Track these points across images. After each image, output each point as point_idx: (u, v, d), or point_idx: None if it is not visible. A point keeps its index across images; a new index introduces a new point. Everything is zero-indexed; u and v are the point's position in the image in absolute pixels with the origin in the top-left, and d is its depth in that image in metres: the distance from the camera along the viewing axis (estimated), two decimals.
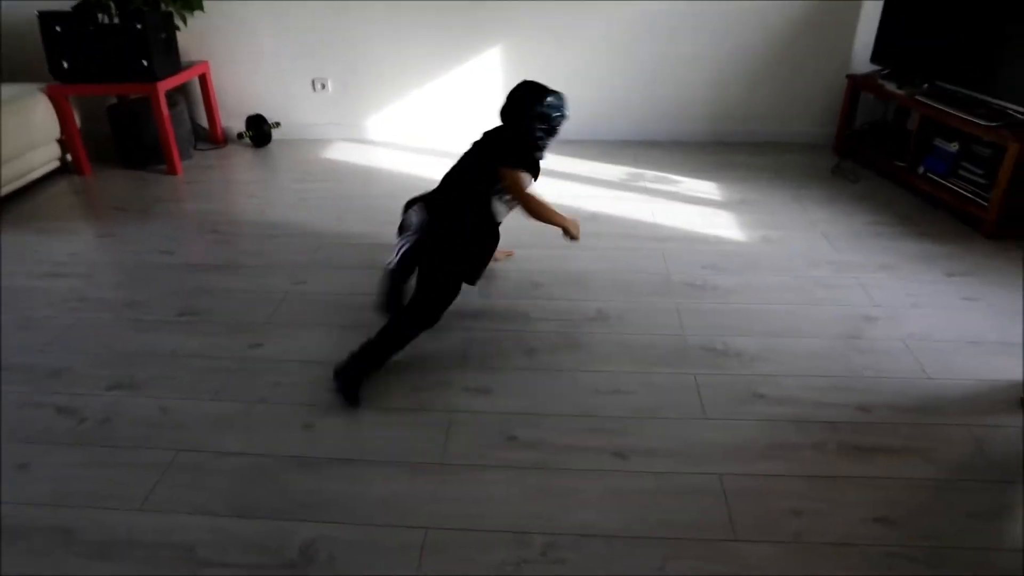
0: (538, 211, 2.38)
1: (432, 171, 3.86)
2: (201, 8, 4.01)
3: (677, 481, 1.81)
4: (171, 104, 3.93)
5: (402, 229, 2.39)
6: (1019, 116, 3.10)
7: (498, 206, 2.40)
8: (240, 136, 4.36)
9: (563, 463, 1.87)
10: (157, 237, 3.16)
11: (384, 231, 3.16)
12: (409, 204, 2.42)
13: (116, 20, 3.73)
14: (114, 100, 4.11)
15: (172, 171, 3.90)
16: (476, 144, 2.55)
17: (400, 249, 2.33)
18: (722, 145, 4.31)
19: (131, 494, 1.77)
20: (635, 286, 2.72)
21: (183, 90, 4.27)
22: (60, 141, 3.81)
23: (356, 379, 2.13)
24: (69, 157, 3.89)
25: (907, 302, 2.64)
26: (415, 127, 4.40)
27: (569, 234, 2.46)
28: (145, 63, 3.65)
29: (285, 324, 2.50)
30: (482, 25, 4.10)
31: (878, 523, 1.70)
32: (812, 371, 2.24)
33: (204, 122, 4.38)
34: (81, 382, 2.19)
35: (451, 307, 2.32)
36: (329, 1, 4.06)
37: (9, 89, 3.61)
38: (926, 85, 3.61)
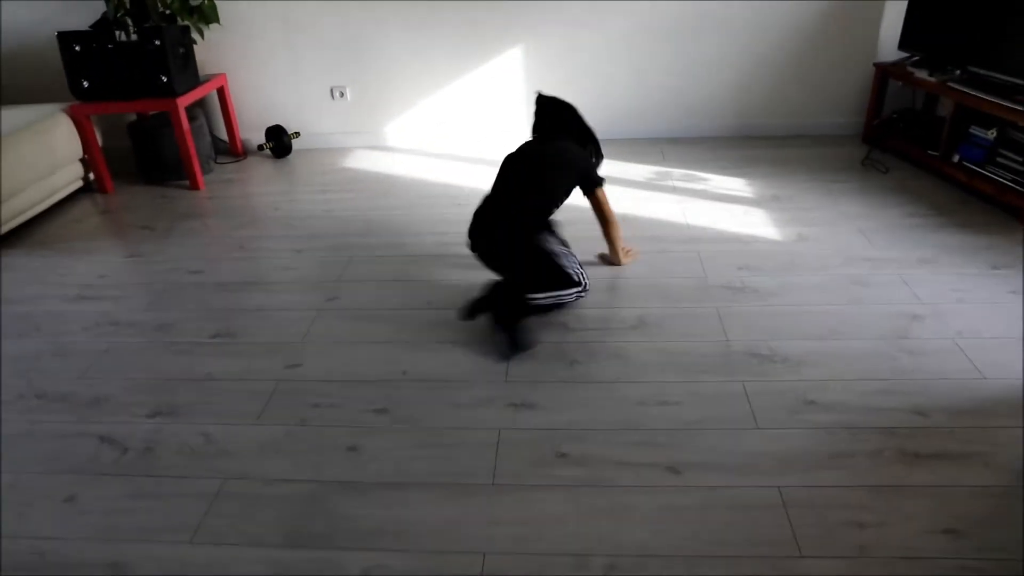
0: (616, 229, 2.79)
1: (452, 177, 3.85)
2: (217, 21, 4.00)
3: (734, 495, 1.77)
4: (191, 119, 3.92)
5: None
6: None
7: None
8: (260, 148, 4.34)
9: (615, 479, 1.83)
10: (184, 256, 3.15)
11: (409, 242, 3.14)
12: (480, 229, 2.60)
13: (134, 37, 3.72)
14: (134, 117, 4.10)
15: (194, 186, 3.89)
16: (535, 155, 2.69)
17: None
18: (749, 139, 4.25)
19: (181, 526, 1.75)
20: (673, 291, 2.68)
21: (202, 104, 4.25)
22: (82, 160, 3.81)
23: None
24: (92, 176, 3.88)
25: (952, 298, 2.58)
26: (434, 132, 4.37)
27: (615, 261, 2.85)
28: (164, 79, 3.63)
29: (321, 342, 2.47)
30: (501, 27, 4.05)
31: (945, 535, 1.65)
32: (862, 374, 2.19)
33: (224, 135, 4.37)
34: (121, 410, 2.17)
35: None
36: (345, 9, 4.02)
37: (31, 111, 3.61)
38: (958, 71, 3.53)
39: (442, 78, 4.21)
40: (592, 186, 2.69)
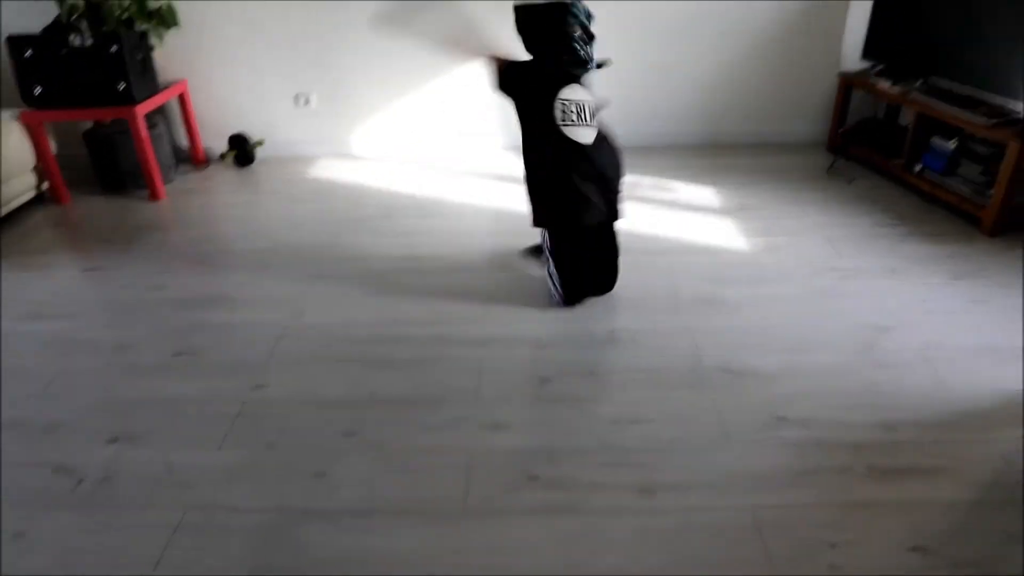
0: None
1: (419, 186, 3.80)
2: (176, 24, 3.89)
3: (708, 516, 1.76)
4: (150, 126, 3.81)
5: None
6: (1017, 113, 3.08)
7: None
8: (223, 156, 4.24)
9: (588, 503, 1.81)
10: (145, 270, 3.06)
11: (377, 254, 3.09)
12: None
13: (89, 42, 3.61)
14: (90, 124, 3.98)
15: (155, 196, 3.79)
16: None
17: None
18: (718, 147, 4.27)
19: (140, 559, 1.68)
20: (644, 304, 2.67)
21: (162, 111, 4.14)
22: (36, 169, 3.68)
23: None
24: (46, 186, 3.76)
25: (918, 308, 2.61)
26: (401, 139, 4.32)
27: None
28: (122, 86, 3.53)
29: (288, 361, 2.41)
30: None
31: (915, 552, 1.65)
32: (832, 388, 2.20)
33: (185, 143, 4.26)
34: (77, 437, 2.09)
35: (457, 335, 2.47)
36: (310, 14, 3.95)
37: None
38: (920, 81, 3.58)
39: (409, 84, 4.16)
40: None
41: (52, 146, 3.70)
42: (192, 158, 4.26)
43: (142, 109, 3.60)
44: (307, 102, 4.20)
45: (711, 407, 2.12)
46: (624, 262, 2.97)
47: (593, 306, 2.66)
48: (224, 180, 4.07)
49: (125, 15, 3.72)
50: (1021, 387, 2.18)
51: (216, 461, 1.98)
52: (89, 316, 2.73)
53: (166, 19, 3.83)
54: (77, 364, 2.43)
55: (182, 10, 3.89)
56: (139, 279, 2.98)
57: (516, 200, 3.53)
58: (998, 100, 3.14)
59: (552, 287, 2.64)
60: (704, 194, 3.63)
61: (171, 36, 3.95)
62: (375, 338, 2.51)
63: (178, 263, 3.12)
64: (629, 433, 2.03)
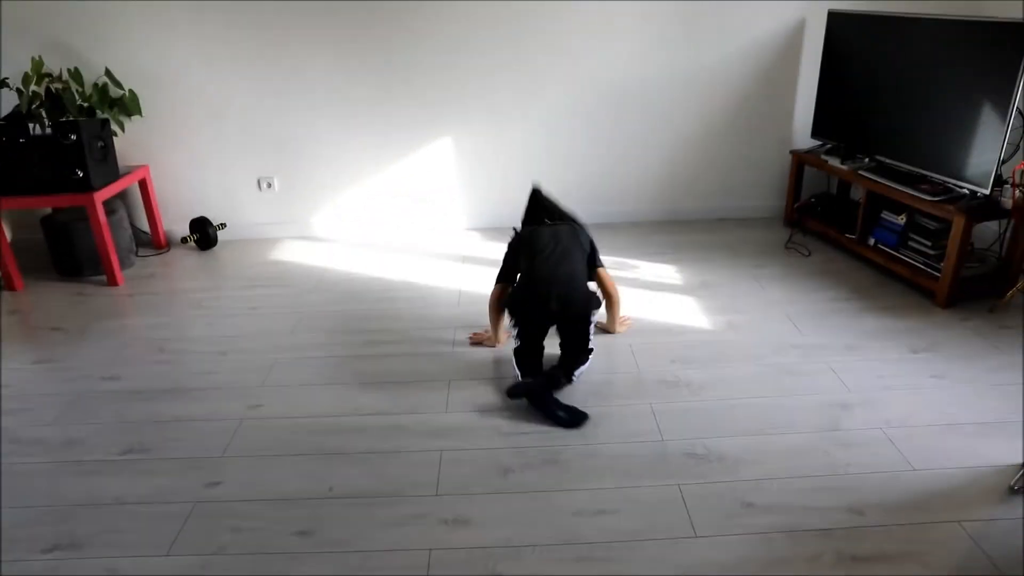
0: (619, 304, 3.00)
1: (381, 270, 3.79)
2: (139, 112, 3.92)
3: None
4: (109, 211, 3.78)
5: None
6: (960, 190, 3.19)
7: None
8: (184, 240, 4.21)
9: None
10: (98, 360, 2.97)
11: (336, 341, 3.05)
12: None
13: (49, 131, 3.60)
14: (48, 210, 3.94)
15: (112, 282, 3.72)
16: (549, 236, 2.78)
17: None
18: (676, 224, 4.35)
19: None
20: (607, 387, 2.65)
21: (123, 195, 4.12)
22: None
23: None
24: None
25: (878, 384, 2.63)
26: (364, 221, 4.33)
27: (612, 330, 3.03)
28: (80, 174, 3.51)
29: (243, 456, 2.33)
30: (427, 117, 4.09)
31: None
32: (797, 471, 2.18)
33: (145, 226, 4.23)
34: (14, 545, 1.98)
35: (417, 424, 2.43)
36: (273, 100, 4.00)
37: None
38: (867, 159, 3.71)
39: (371, 169, 4.20)
40: (596, 266, 2.87)
41: (7, 233, 3.64)
42: (153, 242, 4.22)
43: (100, 196, 3.58)
44: (270, 185, 4.21)
45: (676, 495, 2.09)
46: None
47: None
48: (184, 264, 4.02)
49: (86, 104, 3.73)
50: (985, 463, 2.19)
51: (163, 568, 1.89)
52: (37, 411, 2.63)
53: (128, 107, 3.85)
54: (19, 465, 2.32)
55: (144, 97, 3.91)
56: (92, 370, 2.90)
57: (478, 282, 3.55)
58: (940, 178, 3.26)
59: (515, 367, 2.68)
60: (665, 271, 3.67)
61: (134, 123, 3.97)
62: (333, 428, 2.45)
63: (133, 352, 3.04)
64: (593, 525, 1.98)
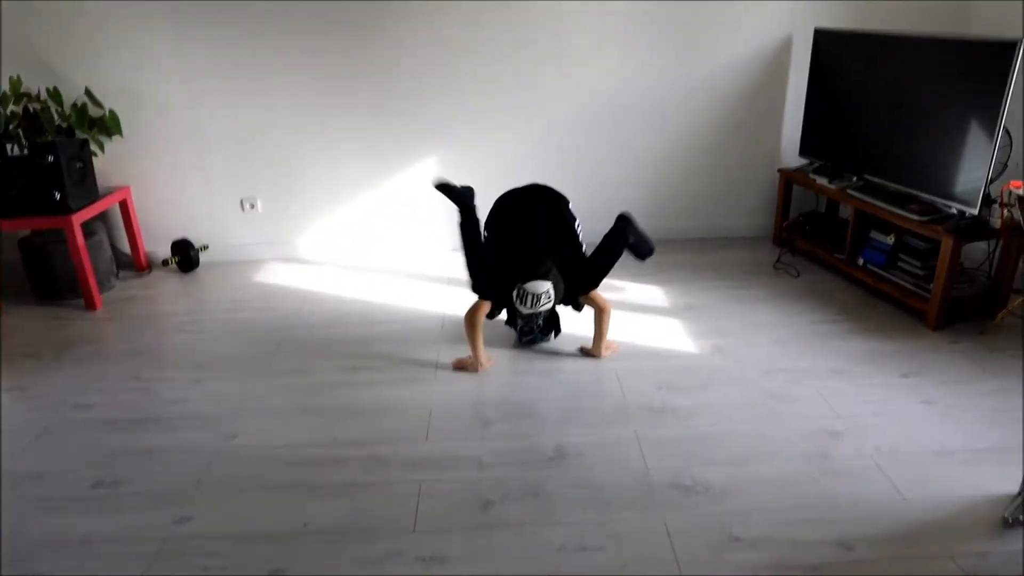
0: (609, 319, 2.98)
1: (365, 292, 3.73)
2: (120, 133, 3.86)
3: None
4: (88, 234, 3.72)
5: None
6: (948, 210, 3.16)
7: None
8: (165, 262, 4.14)
9: None
10: (72, 388, 2.90)
11: (317, 367, 2.98)
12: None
13: (26, 152, 3.54)
14: (26, 232, 3.87)
15: (90, 306, 3.65)
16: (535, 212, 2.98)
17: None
18: (664, 243, 4.27)
19: None
20: (591, 414, 2.59)
21: (103, 216, 4.06)
22: None
23: None
24: None
25: (867, 410, 2.58)
26: (348, 243, 4.28)
27: (597, 353, 3.00)
28: (58, 196, 3.45)
29: (216, 489, 2.26)
30: (412, 136, 4.05)
31: None
32: (785, 501, 2.13)
33: (127, 248, 4.16)
34: None
35: (396, 455, 2.37)
36: (256, 119, 3.95)
37: None
38: (855, 178, 3.69)
39: (356, 188, 4.15)
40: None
41: None
42: (134, 264, 4.16)
43: (79, 218, 3.52)
44: (253, 206, 4.15)
45: (661, 529, 2.02)
46: (571, 368, 2.93)
47: (538, 418, 2.58)
48: (165, 287, 3.95)
49: (66, 124, 3.68)
50: (977, 492, 2.14)
51: None
52: (5, 443, 2.55)
53: (108, 127, 3.80)
54: None
55: (125, 116, 3.86)
56: (65, 397, 2.83)
57: (462, 305, 3.49)
58: (929, 197, 3.23)
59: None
60: (651, 293, 3.63)
61: (115, 144, 3.91)
62: (310, 460, 2.38)
63: (108, 379, 2.97)
64: (576, 562, 1.92)
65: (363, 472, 2.31)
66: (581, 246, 2.95)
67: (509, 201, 3.01)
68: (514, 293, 2.77)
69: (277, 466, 2.36)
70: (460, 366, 2.92)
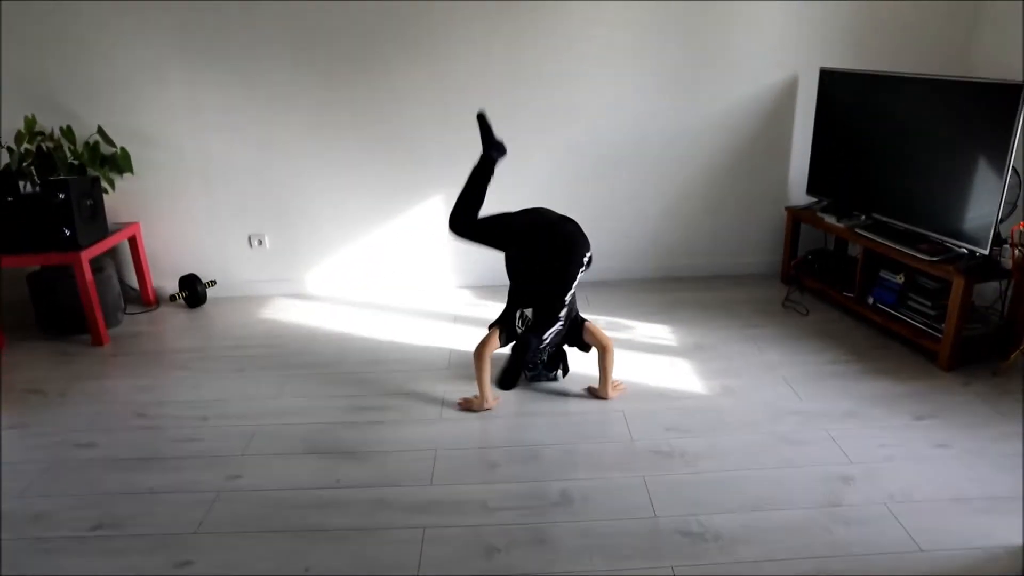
0: (613, 356, 2.94)
1: (372, 329, 3.72)
2: (131, 170, 3.90)
3: None
4: (97, 269, 3.73)
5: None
6: (958, 249, 3.13)
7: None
8: (173, 297, 4.15)
9: None
10: (76, 425, 2.88)
11: (322, 407, 2.95)
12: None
13: (38, 189, 3.58)
14: (35, 267, 3.89)
15: (97, 342, 3.65)
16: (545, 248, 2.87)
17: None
18: (671, 281, 4.29)
19: None
20: (597, 457, 2.55)
21: (113, 252, 4.08)
22: None
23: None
24: None
25: (880, 455, 2.53)
26: (355, 279, 4.28)
27: (604, 394, 2.96)
28: (68, 232, 3.47)
29: (218, 532, 2.23)
30: (419, 175, 4.07)
31: None
32: (798, 551, 2.08)
33: (135, 283, 4.18)
34: None
35: (400, 499, 2.33)
36: (264, 157, 3.99)
37: None
38: (864, 217, 3.67)
39: (363, 225, 4.17)
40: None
41: None
42: (142, 299, 4.17)
43: (88, 254, 3.54)
44: (261, 243, 4.17)
45: None
46: (578, 408, 2.90)
47: (544, 461, 2.54)
48: (173, 323, 3.95)
49: (78, 161, 3.72)
50: (995, 543, 2.08)
51: None
52: (6, 482, 2.53)
53: (120, 165, 3.84)
54: None
55: (136, 154, 3.90)
56: (67, 436, 2.81)
57: (469, 342, 3.48)
58: (939, 237, 3.21)
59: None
60: (659, 332, 3.59)
61: (125, 181, 3.95)
62: (313, 503, 2.35)
63: (112, 416, 2.95)
64: None
65: (366, 516, 2.27)
66: (566, 289, 2.80)
67: (540, 219, 2.98)
68: (516, 316, 2.81)
69: (280, 509, 2.33)
70: (466, 406, 2.90)
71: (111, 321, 3.84)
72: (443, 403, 2.95)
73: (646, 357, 3.33)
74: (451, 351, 3.43)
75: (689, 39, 3.88)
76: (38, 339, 3.76)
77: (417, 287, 4.29)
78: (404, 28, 3.77)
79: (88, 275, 3.53)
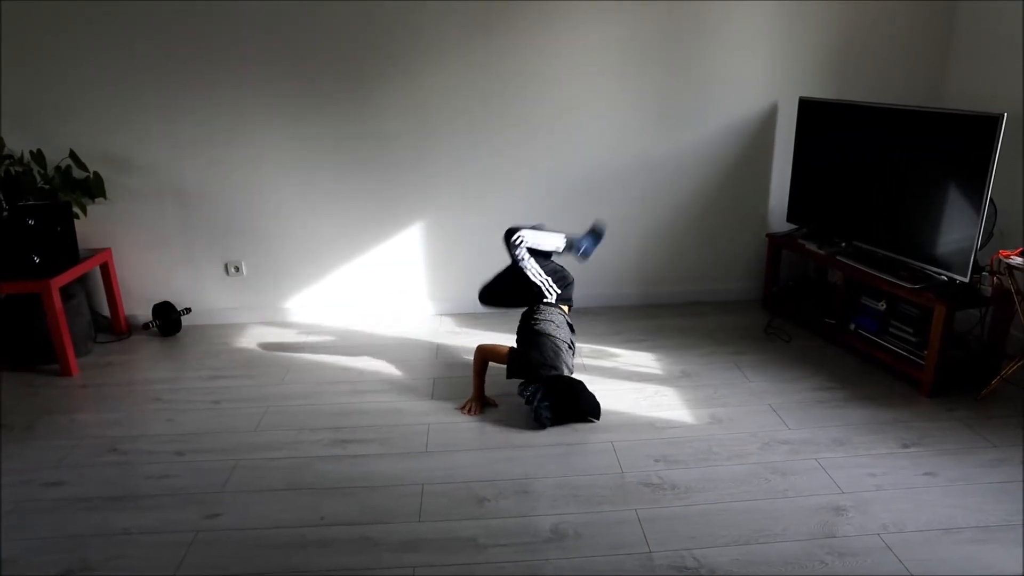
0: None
1: (351, 359, 3.65)
2: (104, 196, 3.80)
3: None
4: (68, 296, 3.62)
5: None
6: (938, 277, 3.17)
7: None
8: (146, 325, 4.04)
9: None
10: (43, 462, 2.76)
11: (303, 440, 2.87)
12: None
13: (5, 215, 3.47)
14: (1, 295, 3.76)
15: (66, 372, 3.53)
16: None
17: None
18: (653, 308, 4.28)
19: None
20: (588, 491, 2.50)
21: (82, 279, 3.96)
22: None
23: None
24: None
25: (870, 484, 2.53)
26: (333, 306, 4.20)
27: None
28: (36, 260, 3.36)
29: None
30: (398, 202, 4.03)
31: None
32: None
33: (106, 311, 4.06)
34: None
35: (386, 537, 2.24)
36: (240, 183, 3.92)
37: None
38: (844, 244, 3.70)
39: (342, 253, 4.10)
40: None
41: None
42: (114, 327, 4.05)
43: (57, 283, 3.42)
44: (238, 269, 4.08)
45: None
46: (567, 440, 2.86)
47: (534, 496, 2.49)
48: (145, 352, 3.84)
49: (48, 186, 3.62)
50: (988, 572, 2.07)
51: None
52: None
53: (92, 190, 3.74)
54: None
55: (109, 179, 3.80)
56: (34, 474, 2.69)
57: (449, 370, 3.43)
58: (919, 264, 3.24)
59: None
60: (644, 360, 3.57)
61: (97, 206, 3.85)
62: (296, 542, 2.27)
63: (82, 452, 2.84)
64: None
65: (352, 556, 2.20)
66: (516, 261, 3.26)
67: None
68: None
69: (260, 549, 2.24)
70: (464, 410, 3.10)
71: (81, 351, 3.72)
72: (428, 432, 2.89)
73: (632, 385, 3.30)
74: (434, 379, 3.37)
75: (671, 68, 3.91)
76: (3, 369, 3.62)
77: (397, 315, 4.23)
78: (383, 56, 3.75)
79: (57, 304, 3.42)
